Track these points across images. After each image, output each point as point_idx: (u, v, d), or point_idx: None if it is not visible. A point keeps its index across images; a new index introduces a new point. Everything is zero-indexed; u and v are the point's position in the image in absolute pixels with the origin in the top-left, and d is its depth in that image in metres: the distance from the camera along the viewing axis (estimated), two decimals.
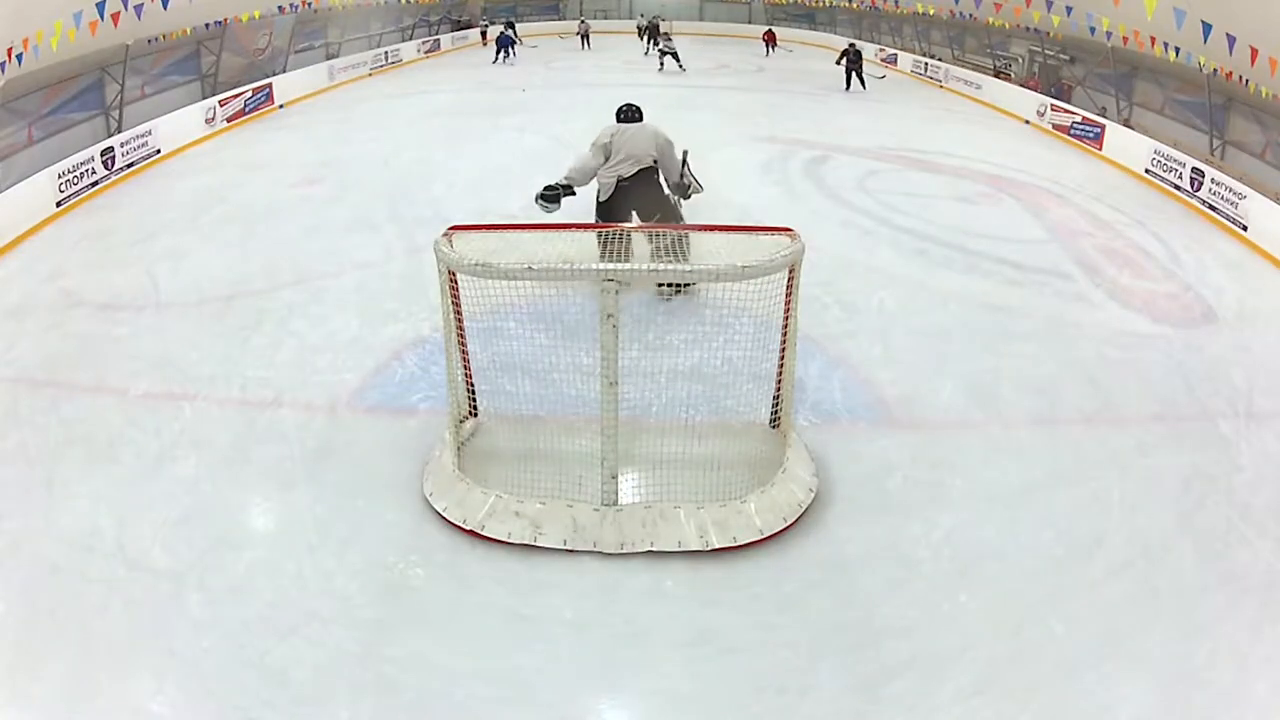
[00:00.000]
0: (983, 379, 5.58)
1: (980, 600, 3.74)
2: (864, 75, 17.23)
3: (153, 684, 3.24)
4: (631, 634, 3.55)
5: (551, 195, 6.05)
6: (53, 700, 3.19)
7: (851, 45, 17.66)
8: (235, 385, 5.39)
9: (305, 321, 6.26)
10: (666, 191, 6.35)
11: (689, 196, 6.52)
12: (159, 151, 10.96)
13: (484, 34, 24.48)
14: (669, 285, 5.94)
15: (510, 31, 21.57)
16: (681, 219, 6.34)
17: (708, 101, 15.48)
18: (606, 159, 6.07)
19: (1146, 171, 11.03)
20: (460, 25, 24.87)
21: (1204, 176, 9.76)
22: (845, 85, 17.05)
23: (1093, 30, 13.53)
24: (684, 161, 6.38)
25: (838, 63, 17.44)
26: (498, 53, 20.62)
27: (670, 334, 4.55)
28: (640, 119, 6.21)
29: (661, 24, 23.69)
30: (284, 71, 15.72)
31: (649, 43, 22.54)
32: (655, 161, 6.12)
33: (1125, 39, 12.74)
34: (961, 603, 3.73)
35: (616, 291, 3.80)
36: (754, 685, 3.32)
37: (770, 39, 23.87)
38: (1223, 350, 6.18)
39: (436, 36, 22.86)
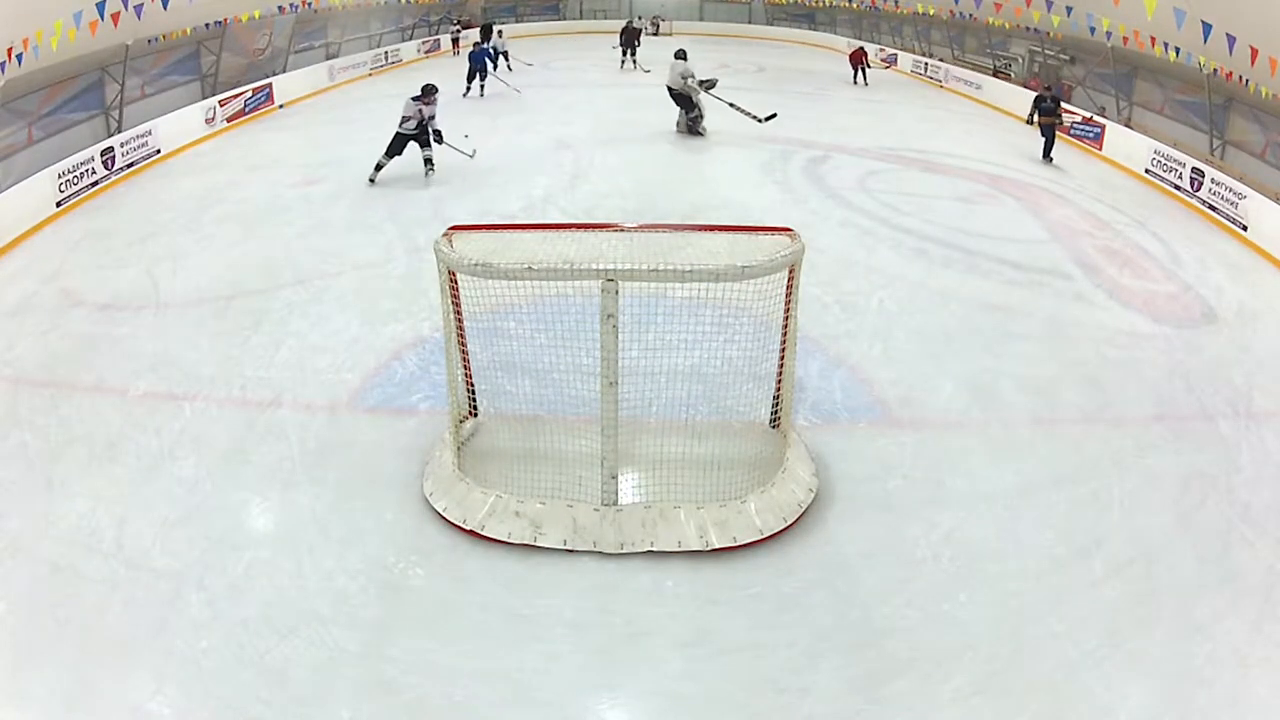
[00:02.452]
0: (983, 379, 5.58)
1: (980, 600, 3.74)
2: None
3: (153, 684, 3.24)
4: (631, 634, 3.55)
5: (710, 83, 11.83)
6: (53, 700, 3.19)
7: (1048, 90, 12.19)
8: (235, 385, 5.39)
9: (305, 321, 6.26)
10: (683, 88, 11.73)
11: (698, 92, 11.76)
12: (159, 151, 10.96)
13: (455, 41, 21.50)
14: (688, 126, 12.03)
15: (490, 42, 16.71)
16: (693, 103, 11.92)
17: (708, 101, 15.44)
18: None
19: (1146, 171, 11.04)
20: (460, 25, 24.58)
21: (1204, 176, 9.77)
22: (1045, 154, 11.63)
23: (1093, 30, 13.53)
24: (700, 83, 11.73)
25: (1030, 120, 12.00)
26: (468, 82, 15.05)
27: (670, 334, 4.56)
28: (676, 58, 11.79)
29: (644, 25, 20.59)
30: (284, 71, 15.71)
31: (626, 53, 18.91)
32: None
33: (1125, 39, 12.74)
34: (961, 603, 3.73)
35: (616, 291, 3.81)
36: (754, 685, 3.32)
37: (860, 59, 18.12)
38: (1223, 350, 6.18)
39: (436, 36, 22.83)
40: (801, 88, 17.54)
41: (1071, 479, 4.60)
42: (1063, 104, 12.11)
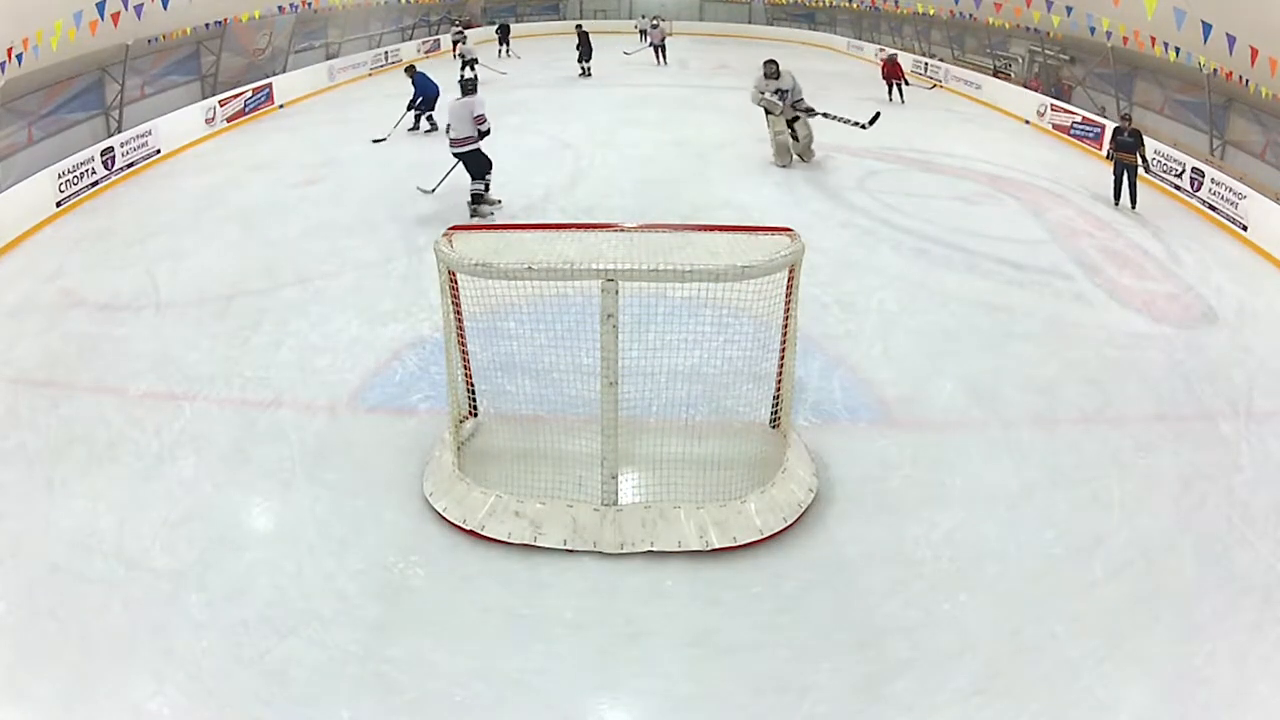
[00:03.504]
0: (983, 379, 5.57)
1: (980, 600, 3.74)
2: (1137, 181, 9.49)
3: (153, 684, 3.24)
4: (631, 634, 3.55)
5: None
6: (53, 700, 3.19)
7: (1126, 119, 9.96)
8: (235, 385, 5.39)
9: (305, 321, 6.26)
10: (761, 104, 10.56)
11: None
12: (159, 151, 10.96)
13: (456, 44, 20.15)
14: (797, 149, 10.62)
15: (461, 51, 16.02)
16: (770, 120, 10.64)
17: (708, 101, 15.46)
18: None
19: (1147, 171, 11.03)
20: (465, 25, 24.43)
21: (1204, 176, 9.76)
22: (1116, 198, 9.58)
23: (1093, 30, 13.53)
24: (796, 105, 10.47)
25: (1109, 156, 9.68)
26: (415, 116, 11.98)
27: (670, 334, 4.56)
28: (764, 70, 10.41)
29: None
30: (284, 71, 15.72)
31: (582, 61, 17.51)
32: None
33: (1125, 39, 12.74)
34: (961, 603, 3.73)
35: (616, 291, 3.81)
36: (754, 685, 3.31)
37: (894, 73, 15.69)
38: (1223, 350, 6.18)
39: (437, 36, 22.83)
40: (802, 87, 17.51)
41: (1071, 479, 4.59)
42: (1145, 139, 9.64)
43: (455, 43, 20.77)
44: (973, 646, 3.49)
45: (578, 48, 17.76)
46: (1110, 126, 12.41)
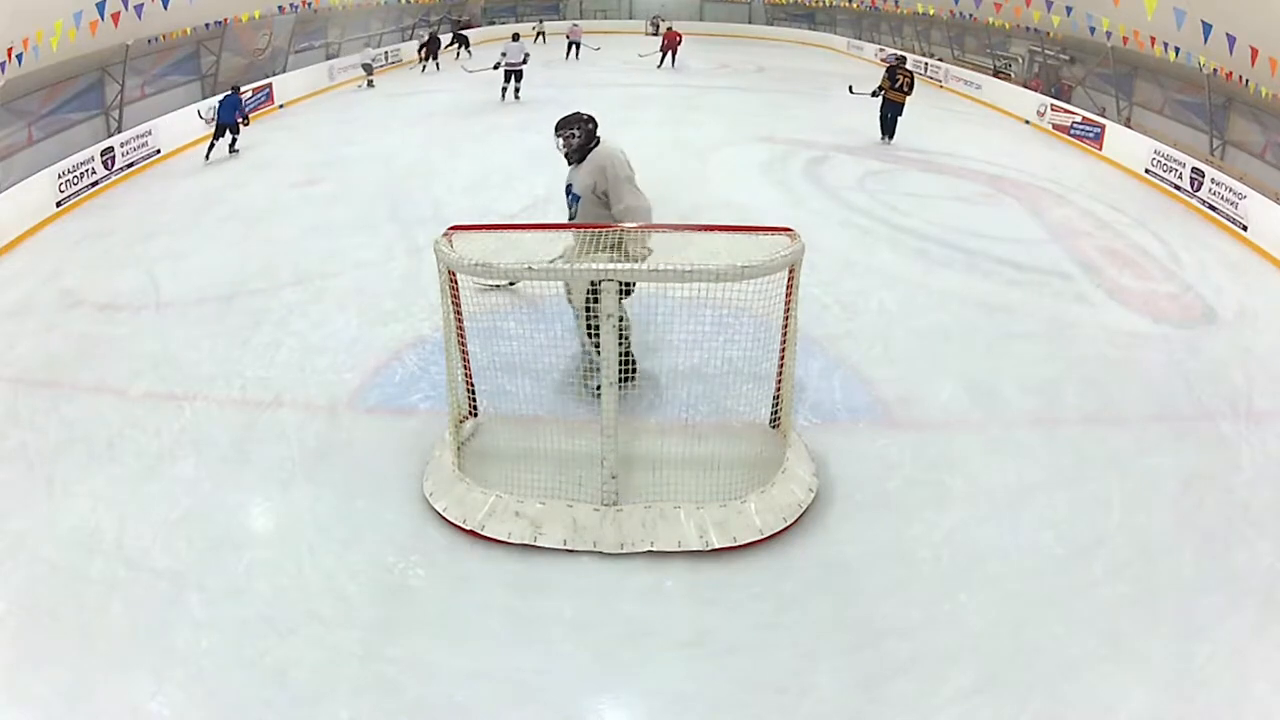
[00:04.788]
0: (983, 379, 5.57)
1: (980, 600, 3.74)
2: None
3: (153, 684, 3.23)
4: (631, 634, 3.54)
5: None
6: (53, 700, 3.19)
7: (901, 59, 8.89)
8: (235, 385, 5.39)
9: (305, 321, 6.26)
10: None
11: None
12: (159, 151, 10.97)
13: (542, 34, 20.47)
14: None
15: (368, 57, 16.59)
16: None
17: (707, 101, 15.48)
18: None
19: (1146, 171, 11.04)
20: (460, 25, 24.53)
21: (1204, 176, 9.77)
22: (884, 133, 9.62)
23: (1093, 30, 13.54)
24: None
25: (875, 93, 9.74)
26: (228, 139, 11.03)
27: (670, 334, 4.57)
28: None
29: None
30: (284, 71, 15.73)
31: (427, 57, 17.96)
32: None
33: (1125, 39, 12.75)
34: (961, 603, 3.72)
35: (617, 291, 3.80)
36: (754, 685, 3.31)
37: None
38: (1223, 350, 6.18)
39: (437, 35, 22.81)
40: (802, 87, 17.54)
41: (1071, 479, 4.59)
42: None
43: (541, 33, 21.46)
44: (973, 646, 3.48)
45: (421, 48, 18.95)
46: (1109, 126, 12.46)
